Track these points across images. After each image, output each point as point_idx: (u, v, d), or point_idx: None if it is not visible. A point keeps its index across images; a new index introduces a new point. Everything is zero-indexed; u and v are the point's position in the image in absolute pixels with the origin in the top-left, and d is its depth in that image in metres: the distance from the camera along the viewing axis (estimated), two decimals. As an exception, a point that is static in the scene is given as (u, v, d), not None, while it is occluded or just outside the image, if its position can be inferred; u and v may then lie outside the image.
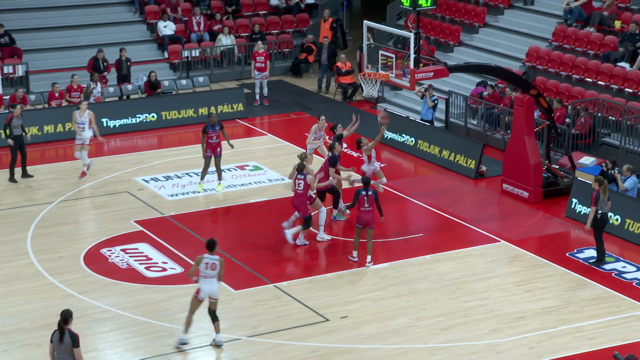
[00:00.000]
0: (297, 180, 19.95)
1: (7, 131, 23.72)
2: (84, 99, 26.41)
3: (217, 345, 16.46)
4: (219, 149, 22.70)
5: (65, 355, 13.96)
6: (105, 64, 28.85)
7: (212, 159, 22.69)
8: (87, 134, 23.74)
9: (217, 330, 16.47)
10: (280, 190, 23.16)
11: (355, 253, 19.51)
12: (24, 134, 23.82)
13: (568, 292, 18.21)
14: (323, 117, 23.10)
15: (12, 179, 23.74)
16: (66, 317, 13.92)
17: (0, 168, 24.70)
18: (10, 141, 23.67)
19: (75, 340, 13.88)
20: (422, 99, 26.75)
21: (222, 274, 16.24)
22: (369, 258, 19.32)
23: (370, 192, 19.17)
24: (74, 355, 13.89)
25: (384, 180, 21.92)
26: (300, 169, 19.97)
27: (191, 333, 16.62)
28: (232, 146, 23.04)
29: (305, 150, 22.50)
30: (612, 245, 20.12)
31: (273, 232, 20.85)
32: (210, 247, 16.30)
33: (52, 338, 14.04)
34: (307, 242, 20.29)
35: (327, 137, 23.25)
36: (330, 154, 21.03)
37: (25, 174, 23.96)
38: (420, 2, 20.86)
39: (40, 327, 16.96)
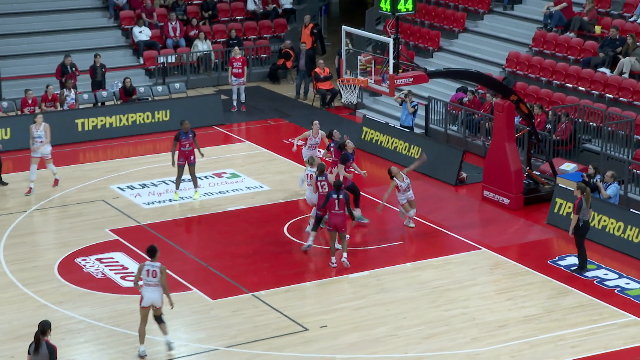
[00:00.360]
0: (319, 183, 20.11)
1: None
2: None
3: (169, 347, 16.40)
4: (192, 157, 22.47)
5: None
6: (73, 69, 28.47)
7: (186, 167, 22.42)
8: (47, 148, 23.27)
9: (164, 332, 16.38)
10: (259, 198, 22.94)
11: (333, 259, 19.42)
12: None
13: (549, 300, 18.15)
14: (317, 122, 23.03)
15: (1, 182, 23.77)
16: (44, 328, 13.73)
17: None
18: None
19: (52, 352, 13.67)
20: (401, 105, 26.62)
21: (164, 282, 16.06)
22: (344, 255, 19.32)
23: (340, 196, 19.23)
24: None
25: (412, 213, 21.39)
26: (322, 170, 20.19)
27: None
28: (202, 155, 22.81)
29: (313, 156, 22.05)
30: (594, 252, 20.05)
31: (251, 241, 20.73)
32: (151, 253, 16.16)
33: (29, 349, 13.82)
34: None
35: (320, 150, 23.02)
36: (343, 152, 21.33)
37: (1, 182, 23.80)
38: (399, 7, 20.69)
39: (13, 338, 16.76)
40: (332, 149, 22.09)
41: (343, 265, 19.31)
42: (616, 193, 21.13)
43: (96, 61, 28.92)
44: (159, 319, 16.30)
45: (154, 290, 16.14)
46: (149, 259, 16.14)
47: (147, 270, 16.12)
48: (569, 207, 20.81)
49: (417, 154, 25.00)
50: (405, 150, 25.40)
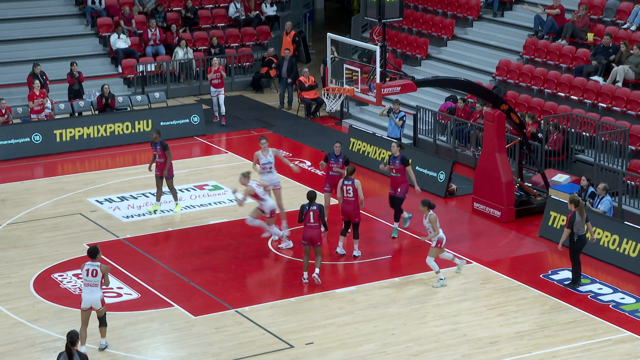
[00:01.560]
0: (344, 187, 19.93)
1: None
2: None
3: (101, 348, 16.62)
4: (165, 170, 21.91)
5: None
6: (44, 77, 27.91)
7: (163, 180, 21.94)
8: None
9: (102, 335, 16.70)
10: (242, 211, 22.40)
11: (305, 274, 19.18)
12: None
13: (543, 315, 17.93)
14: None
15: None
16: (73, 338, 13.91)
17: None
18: None
19: None
20: (388, 115, 26.14)
21: (107, 281, 16.40)
22: (316, 271, 19.07)
23: (314, 207, 18.97)
24: None
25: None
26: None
27: (147, 365, 16.07)
28: (150, 170, 22.35)
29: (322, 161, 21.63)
30: (588, 266, 19.81)
31: (234, 255, 20.43)
32: (92, 254, 16.44)
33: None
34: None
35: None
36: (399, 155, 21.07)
37: None
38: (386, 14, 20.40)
39: (6, 352, 16.48)
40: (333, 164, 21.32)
41: (314, 282, 19.03)
42: (610, 206, 20.87)
43: (73, 69, 28.34)
44: (101, 320, 16.54)
45: (93, 291, 16.32)
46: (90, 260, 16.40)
47: (87, 270, 16.34)
48: (562, 220, 20.67)
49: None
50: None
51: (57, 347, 16.57)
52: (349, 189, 19.98)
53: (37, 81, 27.00)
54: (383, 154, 25.32)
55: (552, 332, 17.22)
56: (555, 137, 23.88)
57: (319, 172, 25.18)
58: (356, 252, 20.16)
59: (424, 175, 24.05)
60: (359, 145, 26.02)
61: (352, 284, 19.15)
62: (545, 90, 26.22)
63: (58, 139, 26.65)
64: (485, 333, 17.18)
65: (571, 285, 18.97)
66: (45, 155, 26.29)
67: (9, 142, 26.12)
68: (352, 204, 20.03)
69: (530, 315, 17.84)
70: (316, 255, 19.07)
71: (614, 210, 21.13)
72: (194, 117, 28.30)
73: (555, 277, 19.35)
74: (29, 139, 26.28)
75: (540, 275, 19.42)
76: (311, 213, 18.87)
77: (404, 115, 25.85)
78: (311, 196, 19.12)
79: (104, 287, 16.42)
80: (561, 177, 22.85)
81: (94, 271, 16.23)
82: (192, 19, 33.14)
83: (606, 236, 20.11)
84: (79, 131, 26.89)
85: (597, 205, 20.79)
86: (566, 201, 19.42)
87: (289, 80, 30.88)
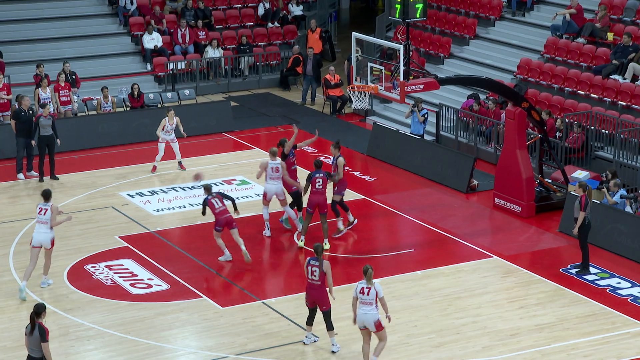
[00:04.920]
0: (316, 179, 20.07)
1: (37, 131, 24.11)
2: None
3: (21, 293, 18.15)
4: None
5: (34, 348, 14.14)
6: (73, 76, 28.30)
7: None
8: None
9: (45, 272, 18.57)
10: (269, 204, 22.78)
11: (303, 238, 20.10)
12: (57, 139, 24.30)
13: (562, 308, 18.02)
14: (172, 111, 24.68)
15: (41, 179, 24.32)
16: (38, 310, 14.15)
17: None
18: (33, 142, 24.13)
19: (43, 335, 14.06)
20: (411, 113, 26.44)
21: (54, 221, 18.07)
22: (325, 242, 19.73)
23: (320, 174, 19.78)
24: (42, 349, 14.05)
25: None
26: (318, 165, 20.24)
27: (176, 352, 16.33)
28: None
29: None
30: (607, 261, 19.96)
31: (261, 248, 20.64)
32: (46, 196, 18.34)
33: (25, 330, 14.24)
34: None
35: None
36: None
37: (52, 176, 24.40)
38: (410, 14, 20.58)
39: (21, 345, 16.54)
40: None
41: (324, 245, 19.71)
42: (622, 200, 20.94)
43: (65, 67, 28.27)
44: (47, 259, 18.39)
45: (43, 230, 18.14)
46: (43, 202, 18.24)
47: (40, 209, 18.17)
48: (581, 215, 20.64)
49: (427, 160, 24.92)
50: (416, 157, 25.27)
51: (90, 336, 16.91)
52: (319, 181, 19.99)
53: (63, 75, 27.53)
54: (407, 150, 25.65)
55: (572, 325, 17.30)
56: (576, 135, 24.08)
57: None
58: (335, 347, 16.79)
59: (446, 171, 24.38)
60: (383, 141, 26.29)
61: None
62: (566, 88, 26.27)
63: (90, 134, 27.01)
64: (506, 325, 17.27)
65: (581, 272, 19.17)
66: (79, 150, 26.62)
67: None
68: (321, 195, 19.96)
69: (550, 308, 17.92)
70: (322, 224, 19.66)
71: (634, 207, 21.29)
72: (223, 113, 28.71)
73: (574, 271, 19.44)
74: (62, 135, 26.76)
75: (560, 269, 19.50)
76: (317, 180, 19.57)
77: (426, 113, 26.17)
78: (317, 164, 19.90)
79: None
80: (581, 174, 22.92)
81: (45, 210, 18.12)
82: (209, 22, 33.53)
83: (625, 231, 20.19)
84: (111, 127, 27.26)
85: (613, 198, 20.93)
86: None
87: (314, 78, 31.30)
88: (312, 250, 16.66)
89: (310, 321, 16.64)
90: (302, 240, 20.43)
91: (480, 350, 16.53)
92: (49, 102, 26.63)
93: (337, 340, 16.63)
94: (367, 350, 15.78)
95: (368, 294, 15.40)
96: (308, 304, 16.46)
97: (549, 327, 17.26)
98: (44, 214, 18.16)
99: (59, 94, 27.33)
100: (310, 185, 20.08)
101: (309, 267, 16.19)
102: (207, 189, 19.72)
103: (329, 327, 16.41)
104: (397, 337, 16.91)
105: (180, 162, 25.05)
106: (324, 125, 28.98)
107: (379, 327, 15.54)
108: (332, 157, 20.92)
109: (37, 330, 14.04)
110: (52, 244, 18.39)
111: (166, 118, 24.78)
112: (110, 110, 27.83)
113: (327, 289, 16.18)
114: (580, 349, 16.55)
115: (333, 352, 16.50)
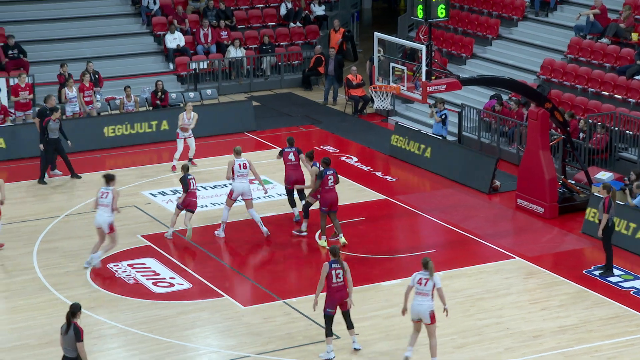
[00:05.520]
0: (328, 177, 20.17)
1: (45, 134, 24.18)
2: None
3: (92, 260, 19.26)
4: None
5: (68, 347, 14.15)
6: (96, 75, 28.45)
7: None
8: None
9: (93, 251, 19.25)
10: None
11: (324, 238, 20.31)
12: (67, 140, 24.41)
13: (585, 310, 17.96)
14: (190, 105, 25.15)
15: (41, 180, 24.35)
16: (74, 310, 14.15)
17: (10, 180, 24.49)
18: (41, 146, 24.21)
19: (77, 334, 14.08)
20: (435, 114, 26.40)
21: (115, 205, 18.97)
22: (341, 237, 20.17)
23: (331, 171, 19.96)
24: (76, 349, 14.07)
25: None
26: (327, 163, 20.30)
27: (198, 350, 16.33)
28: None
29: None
30: (632, 263, 19.86)
31: (282, 247, 20.70)
32: (107, 180, 19.13)
33: (61, 330, 14.23)
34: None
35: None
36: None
37: (74, 175, 24.64)
38: (432, 14, 20.54)
39: (45, 343, 16.81)
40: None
41: (339, 243, 20.04)
42: None
43: (89, 67, 28.43)
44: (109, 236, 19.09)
45: (104, 213, 18.88)
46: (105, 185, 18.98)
47: (102, 192, 19.00)
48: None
49: (449, 161, 24.88)
50: (437, 157, 25.22)
51: (113, 334, 17.00)
52: (331, 178, 20.13)
53: (87, 75, 27.70)
54: (429, 151, 25.62)
55: (595, 327, 17.22)
56: (600, 136, 23.97)
57: (365, 168, 25.61)
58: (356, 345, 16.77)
59: (469, 171, 24.33)
60: (404, 141, 26.35)
61: (396, 277, 19.23)
62: (589, 89, 26.19)
63: (113, 134, 27.14)
64: (529, 327, 17.22)
65: (604, 274, 19.09)
66: (100, 149, 26.76)
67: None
68: (333, 192, 20.18)
69: (573, 310, 17.86)
70: (333, 220, 19.99)
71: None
72: (245, 113, 28.75)
73: (597, 272, 19.34)
74: (84, 134, 26.94)
75: (583, 271, 19.43)
76: (329, 177, 19.81)
77: (445, 113, 26.09)
78: (326, 161, 20.08)
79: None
80: (604, 175, 22.89)
81: (107, 194, 18.86)
82: (232, 24, 33.58)
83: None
84: (134, 126, 27.35)
85: (634, 200, 20.86)
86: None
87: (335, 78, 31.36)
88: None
89: (330, 331, 16.23)
90: (324, 240, 20.43)
91: (503, 351, 16.48)
92: (76, 101, 26.87)
93: (358, 340, 16.62)
94: (414, 340, 15.84)
95: (426, 285, 15.52)
96: (332, 311, 16.13)
97: (572, 329, 17.20)
98: (106, 197, 18.89)
99: (84, 94, 27.45)
100: (322, 183, 20.07)
101: (333, 271, 16.02)
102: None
103: (350, 325, 16.34)
104: (419, 338, 16.63)
105: (191, 159, 25.08)
106: (346, 125, 29.03)
107: (432, 318, 15.62)
108: (311, 167, 20.83)
109: (72, 329, 14.10)
110: (111, 228, 18.99)
111: (184, 112, 25.03)
112: (133, 109, 27.93)
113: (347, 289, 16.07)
114: (604, 352, 16.47)
115: (355, 349, 16.48)
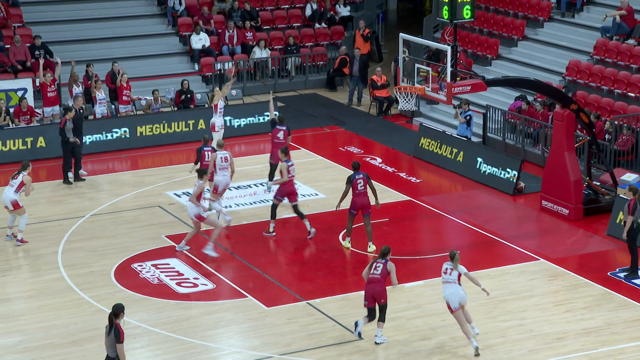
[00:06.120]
0: (357, 181, 20.17)
1: (64, 134, 24.28)
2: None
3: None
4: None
5: (110, 348, 14.29)
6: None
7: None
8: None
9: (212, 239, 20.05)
10: (314, 205, 22.87)
11: (348, 239, 20.40)
12: (75, 139, 24.33)
13: (610, 312, 17.89)
14: (217, 88, 25.63)
15: (66, 180, 24.48)
16: (117, 311, 14.31)
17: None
18: (77, 140, 24.30)
19: (117, 336, 14.21)
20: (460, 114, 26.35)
21: (192, 197, 19.71)
22: (370, 244, 20.09)
23: (360, 175, 19.99)
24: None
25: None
26: (356, 167, 20.30)
27: (221, 351, 16.37)
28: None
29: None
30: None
31: (306, 248, 20.77)
32: (200, 175, 19.94)
33: (106, 330, 14.41)
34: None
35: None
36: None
37: (77, 178, 24.58)
38: (458, 15, 20.49)
39: (69, 343, 16.90)
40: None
41: (368, 249, 20.08)
42: None
43: (114, 67, 28.64)
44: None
45: (190, 205, 19.86)
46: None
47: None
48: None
49: (474, 162, 24.81)
50: (461, 158, 25.16)
51: (136, 334, 17.06)
52: (361, 182, 20.00)
53: (125, 75, 27.87)
54: (452, 151, 25.56)
55: (619, 330, 17.16)
56: (626, 137, 23.84)
57: (389, 169, 25.56)
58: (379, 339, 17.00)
59: (493, 173, 24.25)
60: (429, 142, 26.25)
61: (420, 278, 19.25)
62: (615, 90, 26.05)
63: (139, 134, 27.28)
64: (552, 329, 17.18)
65: (630, 277, 19.00)
66: (126, 149, 26.90)
67: (95, 137, 26.87)
68: (365, 196, 20.12)
69: (597, 312, 17.78)
70: (366, 225, 20.01)
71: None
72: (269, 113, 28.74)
73: (622, 274, 19.24)
74: (112, 134, 27.07)
75: (608, 273, 19.35)
76: (359, 181, 19.85)
77: (469, 114, 26.04)
78: (355, 165, 20.13)
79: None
80: (630, 177, 22.73)
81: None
82: (257, 25, 33.63)
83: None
84: (158, 127, 27.48)
85: None
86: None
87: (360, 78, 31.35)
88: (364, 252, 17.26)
89: (372, 317, 16.78)
90: (347, 241, 20.45)
91: (526, 353, 16.45)
92: (105, 102, 27.21)
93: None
94: (467, 329, 16.50)
95: (450, 274, 16.55)
96: (367, 303, 16.66)
97: (596, 332, 17.13)
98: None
99: (122, 94, 27.65)
100: (352, 188, 20.07)
101: (374, 264, 16.72)
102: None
103: (381, 319, 16.72)
104: (442, 339, 16.90)
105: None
106: (370, 126, 29.03)
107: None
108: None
109: (113, 330, 14.22)
110: (199, 218, 19.82)
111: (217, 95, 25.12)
112: (159, 111, 28.05)
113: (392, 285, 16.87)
114: (628, 354, 16.41)
115: (376, 343, 16.69)
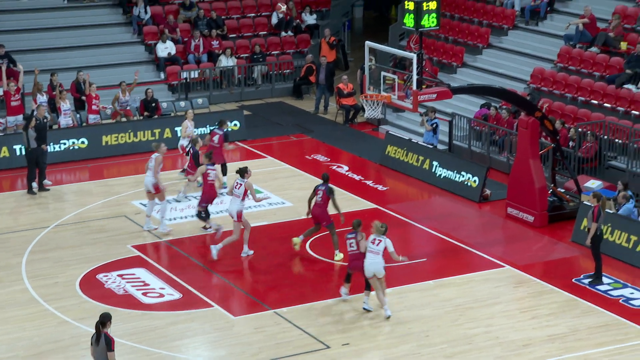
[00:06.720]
0: (318, 191, 20.38)
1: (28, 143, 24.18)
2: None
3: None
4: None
5: (100, 357, 14.19)
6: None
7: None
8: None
9: (245, 242, 20.47)
10: (281, 214, 22.86)
11: (301, 238, 20.67)
12: (43, 146, 24.24)
13: (574, 319, 17.97)
14: (191, 110, 25.92)
15: (30, 191, 24.25)
16: (104, 319, 14.22)
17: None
18: (44, 147, 24.20)
19: (109, 344, 14.14)
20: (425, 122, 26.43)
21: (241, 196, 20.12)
22: (337, 252, 20.41)
23: (324, 187, 20.24)
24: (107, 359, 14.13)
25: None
26: (325, 179, 20.55)
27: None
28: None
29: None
30: (621, 271, 19.90)
31: (273, 257, 20.72)
32: (241, 173, 20.17)
33: (91, 340, 14.31)
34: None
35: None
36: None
37: (41, 188, 24.37)
38: (423, 23, 20.58)
39: (34, 355, 16.78)
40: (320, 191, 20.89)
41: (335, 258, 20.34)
42: (628, 213, 20.82)
43: (79, 76, 28.56)
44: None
45: (233, 201, 20.19)
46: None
47: (237, 184, 20.22)
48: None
49: (440, 169, 24.89)
50: (427, 166, 25.25)
51: (103, 345, 17.13)
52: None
53: (94, 85, 27.74)
54: (420, 159, 25.62)
55: (584, 336, 17.23)
56: (589, 144, 24.01)
57: (356, 177, 25.62)
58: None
59: (459, 180, 24.35)
60: (395, 150, 26.32)
61: (387, 286, 19.02)
62: (579, 97, 26.25)
63: (104, 143, 27.17)
64: (518, 336, 17.24)
65: (594, 283, 19.11)
66: (92, 159, 26.74)
67: (58, 146, 26.72)
68: (321, 207, 20.38)
69: (562, 318, 17.87)
70: (332, 235, 20.38)
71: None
72: (235, 122, 28.71)
73: (587, 281, 19.35)
74: (76, 144, 26.93)
75: (573, 280, 19.44)
76: (318, 192, 20.24)
77: (436, 122, 26.13)
78: (324, 177, 20.50)
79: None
80: (594, 183, 22.89)
81: (240, 185, 20.09)
82: (223, 34, 33.59)
83: (638, 242, 20.17)
84: (123, 136, 27.38)
85: (619, 211, 20.90)
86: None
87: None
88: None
89: (368, 286, 18.07)
90: (337, 253, 20.54)
91: (493, 360, 16.49)
92: (70, 113, 27.00)
93: (346, 350, 16.65)
94: (381, 296, 17.83)
95: (377, 245, 17.63)
96: (351, 271, 18.30)
97: (561, 338, 17.21)
98: (239, 188, 20.15)
99: (91, 103, 27.52)
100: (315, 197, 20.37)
101: (347, 241, 18.10)
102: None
103: (368, 287, 18.08)
104: (409, 347, 16.91)
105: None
106: (337, 134, 29.04)
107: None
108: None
109: (102, 339, 14.14)
110: (238, 215, 20.13)
111: (186, 120, 25.26)
112: (127, 105, 27.96)
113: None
114: (593, 360, 16.51)
115: (365, 309, 18.14)
